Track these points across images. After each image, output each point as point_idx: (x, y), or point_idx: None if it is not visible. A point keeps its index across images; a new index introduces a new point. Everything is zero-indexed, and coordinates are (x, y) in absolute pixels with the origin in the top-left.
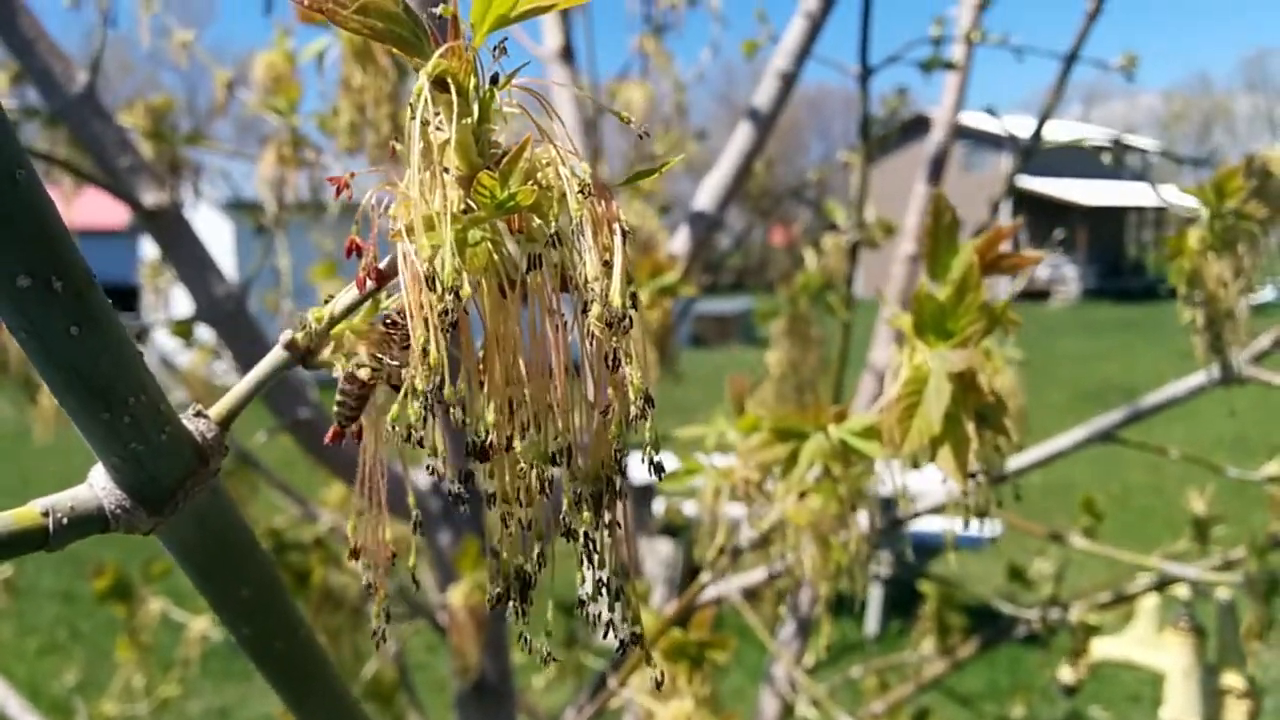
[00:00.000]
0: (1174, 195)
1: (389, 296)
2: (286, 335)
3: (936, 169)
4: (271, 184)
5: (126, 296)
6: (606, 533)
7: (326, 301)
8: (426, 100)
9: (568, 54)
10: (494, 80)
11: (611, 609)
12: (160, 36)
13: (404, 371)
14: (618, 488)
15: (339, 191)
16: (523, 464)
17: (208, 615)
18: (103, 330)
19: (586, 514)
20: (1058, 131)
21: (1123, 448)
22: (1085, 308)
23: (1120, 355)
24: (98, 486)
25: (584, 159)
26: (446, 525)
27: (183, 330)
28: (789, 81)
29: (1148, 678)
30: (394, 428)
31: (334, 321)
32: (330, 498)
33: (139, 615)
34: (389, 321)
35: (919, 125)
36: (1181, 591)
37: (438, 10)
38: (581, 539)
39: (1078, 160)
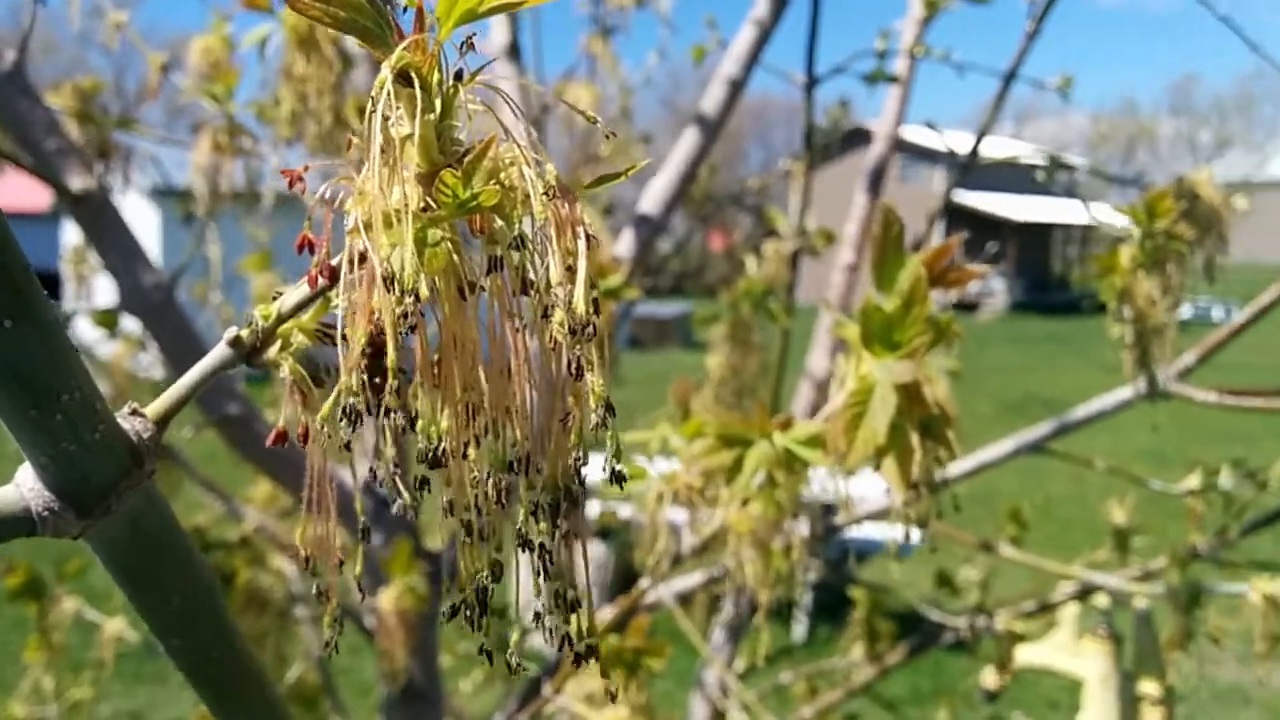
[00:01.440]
0: (1102, 213)
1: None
2: (231, 332)
3: (876, 180)
4: (206, 172)
5: (47, 283)
6: (563, 543)
7: (274, 298)
8: (389, 93)
9: (515, 52)
10: (458, 76)
11: (566, 621)
12: (90, 17)
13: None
14: (576, 497)
15: (292, 183)
16: (478, 472)
17: (123, 616)
18: (38, 323)
19: (544, 524)
20: (992, 148)
21: (1047, 459)
22: (1012, 320)
23: (1045, 368)
24: (24, 487)
25: (547, 160)
26: (376, 527)
27: (107, 320)
28: (737, 88)
29: (1065, 684)
30: (323, 428)
31: (281, 319)
32: (256, 495)
33: (51, 615)
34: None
35: (855, 137)
36: (1101, 600)
37: (401, 2)
38: (538, 550)
39: (1007, 176)
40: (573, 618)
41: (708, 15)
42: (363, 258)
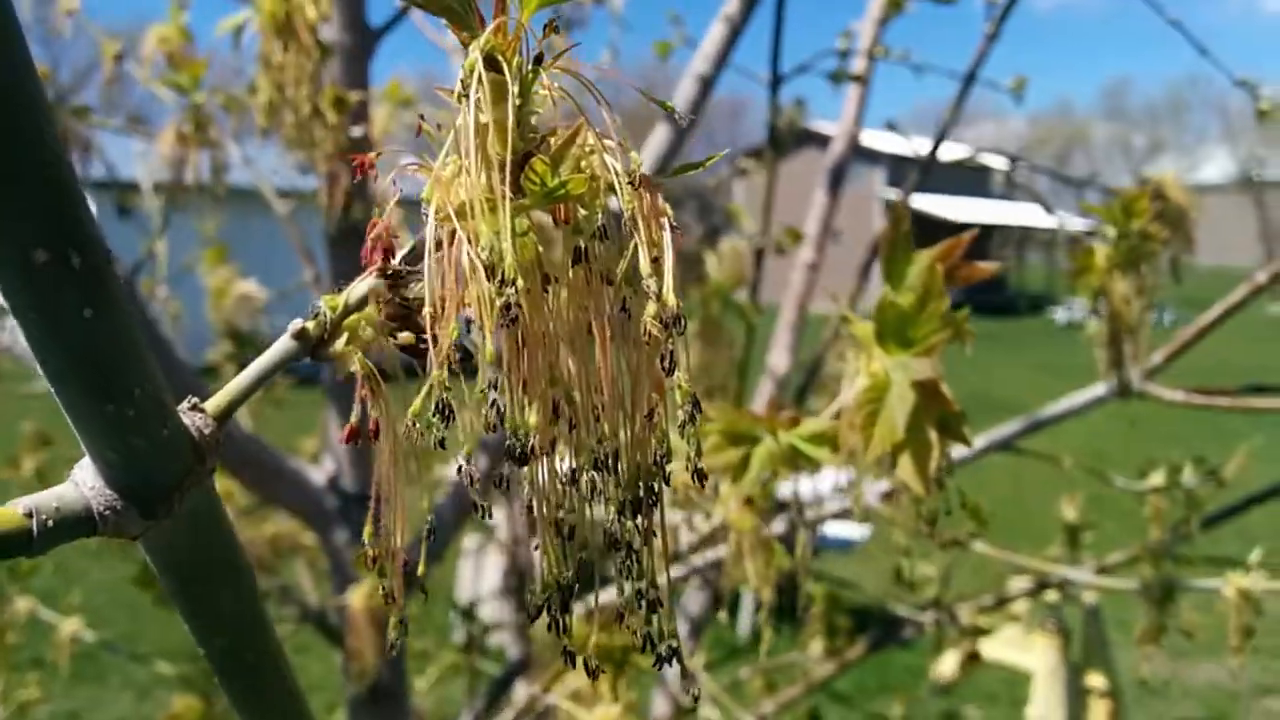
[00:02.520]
0: (1038, 215)
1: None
2: (296, 324)
3: (836, 179)
4: (172, 164)
5: None
6: (647, 542)
7: (339, 290)
8: (480, 78)
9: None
10: (538, 60)
11: (649, 622)
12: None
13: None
14: (658, 494)
15: (362, 169)
16: (564, 470)
17: (77, 616)
18: (116, 314)
19: (631, 522)
20: (941, 150)
21: (988, 461)
22: None
23: (981, 367)
24: (85, 485)
25: (631, 148)
26: (343, 524)
27: None
28: (708, 85)
29: (1005, 676)
30: (414, 425)
31: (349, 311)
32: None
33: (5, 615)
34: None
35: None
36: (1051, 596)
37: None
38: (625, 549)
39: (945, 177)
40: (654, 619)
41: (671, 11)
42: (446, 246)
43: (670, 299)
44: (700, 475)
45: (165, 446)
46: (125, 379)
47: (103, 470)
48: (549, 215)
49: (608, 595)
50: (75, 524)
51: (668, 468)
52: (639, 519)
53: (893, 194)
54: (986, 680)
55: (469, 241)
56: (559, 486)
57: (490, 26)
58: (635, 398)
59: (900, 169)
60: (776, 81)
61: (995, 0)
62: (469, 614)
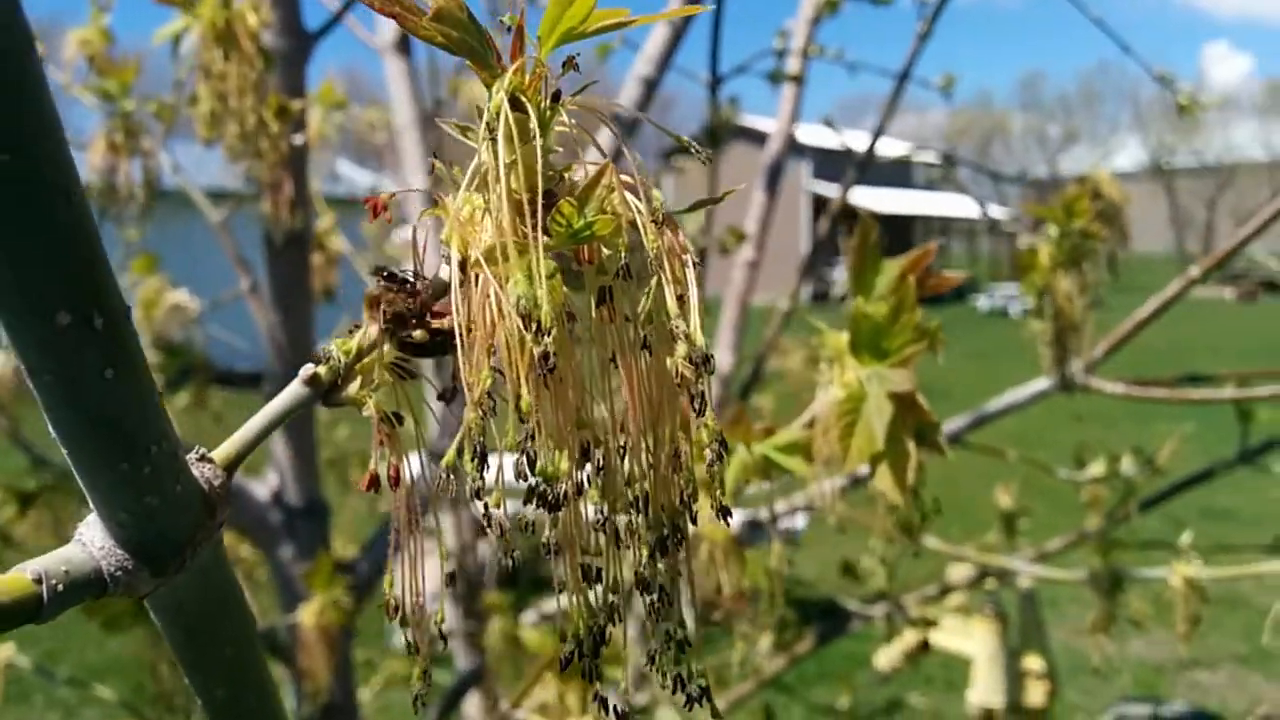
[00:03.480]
0: (962, 205)
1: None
2: (308, 370)
3: (774, 178)
4: (102, 173)
5: None
6: (674, 582)
7: (352, 331)
8: (508, 119)
9: (405, 45)
10: (555, 97)
11: (677, 662)
12: None
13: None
14: (684, 535)
15: (376, 213)
16: (592, 513)
17: (11, 642)
18: (135, 371)
19: (661, 564)
20: (848, 140)
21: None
22: None
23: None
24: (93, 546)
25: (653, 185)
26: (288, 539)
27: None
28: (651, 87)
29: (941, 660)
30: (450, 475)
31: (361, 354)
32: None
33: None
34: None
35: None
36: (990, 582)
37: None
38: (656, 591)
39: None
40: (683, 659)
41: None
42: (472, 289)
43: (699, 338)
44: (725, 513)
45: (178, 502)
46: (143, 437)
47: (113, 530)
48: (571, 255)
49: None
50: (84, 586)
51: (694, 506)
52: (667, 559)
53: (820, 186)
54: (923, 665)
55: (497, 285)
56: (587, 531)
57: (514, 66)
58: (660, 436)
59: (827, 162)
60: (716, 82)
61: (927, 0)
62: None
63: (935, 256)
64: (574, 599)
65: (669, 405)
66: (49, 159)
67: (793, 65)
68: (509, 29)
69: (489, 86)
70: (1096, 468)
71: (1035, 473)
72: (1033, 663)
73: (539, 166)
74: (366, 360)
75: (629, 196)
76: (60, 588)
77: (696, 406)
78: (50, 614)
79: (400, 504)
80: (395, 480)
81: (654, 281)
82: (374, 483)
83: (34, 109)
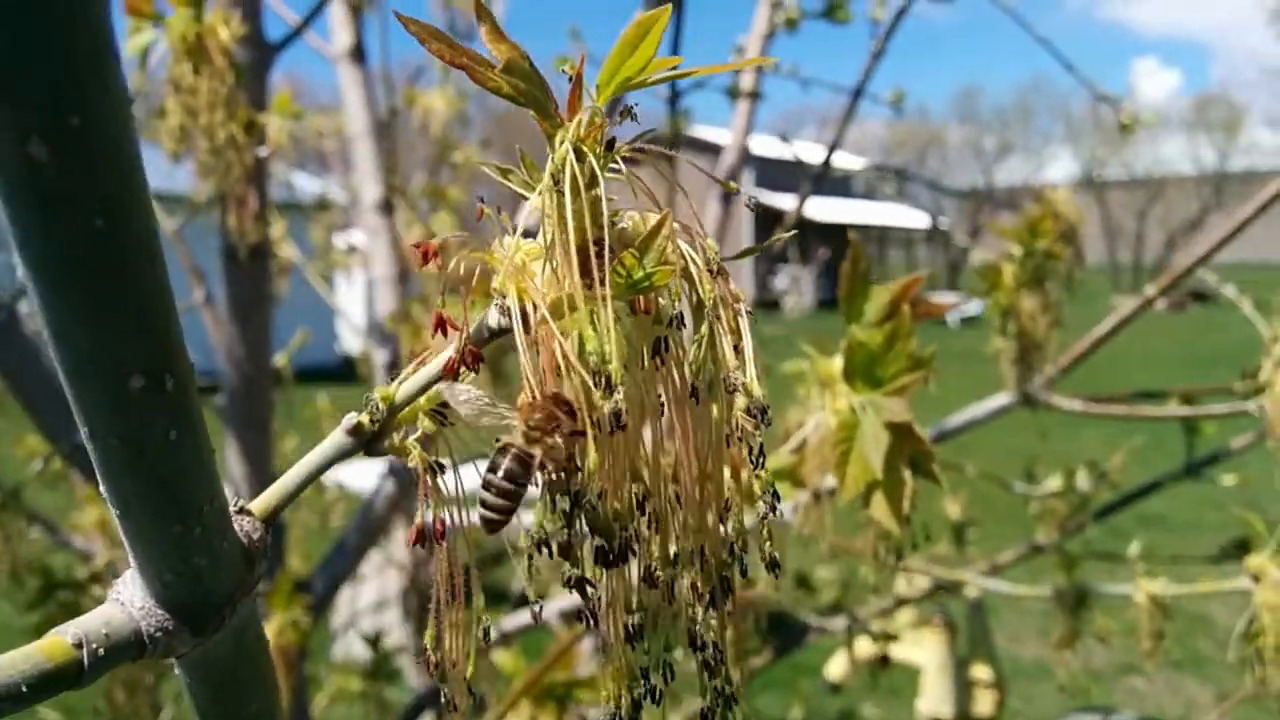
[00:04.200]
0: (903, 215)
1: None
2: (351, 419)
3: (727, 192)
4: None
5: None
6: (724, 636)
7: (391, 379)
8: (574, 170)
9: (359, 54)
10: (610, 146)
11: (725, 718)
12: None
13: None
14: (731, 588)
15: (426, 258)
16: (644, 567)
17: None
18: (197, 431)
19: (715, 620)
20: (800, 152)
21: None
22: (819, 317)
23: None
24: (133, 606)
25: (705, 232)
26: None
27: None
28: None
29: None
30: (534, 540)
31: (401, 405)
32: (83, 521)
33: None
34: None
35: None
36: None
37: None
38: (711, 648)
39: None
40: (730, 715)
41: (571, 25)
42: (535, 343)
43: (757, 389)
44: (775, 565)
45: (223, 561)
46: (197, 497)
47: (154, 589)
48: (627, 305)
49: (519, 619)
50: (125, 649)
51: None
52: (716, 612)
53: (764, 195)
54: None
55: (561, 337)
56: (635, 587)
57: (579, 118)
58: (711, 488)
59: (769, 170)
60: (675, 96)
61: (879, 19)
62: (374, 642)
63: (872, 265)
64: (613, 665)
65: (718, 456)
66: (140, 224)
67: (747, 81)
68: (569, 78)
69: (550, 137)
70: (1053, 482)
71: (976, 482)
72: (981, 671)
73: (600, 216)
74: (409, 409)
75: (682, 245)
76: (101, 651)
77: (755, 459)
78: (91, 679)
79: (444, 559)
80: (440, 535)
81: (710, 331)
82: (421, 537)
83: (132, 176)
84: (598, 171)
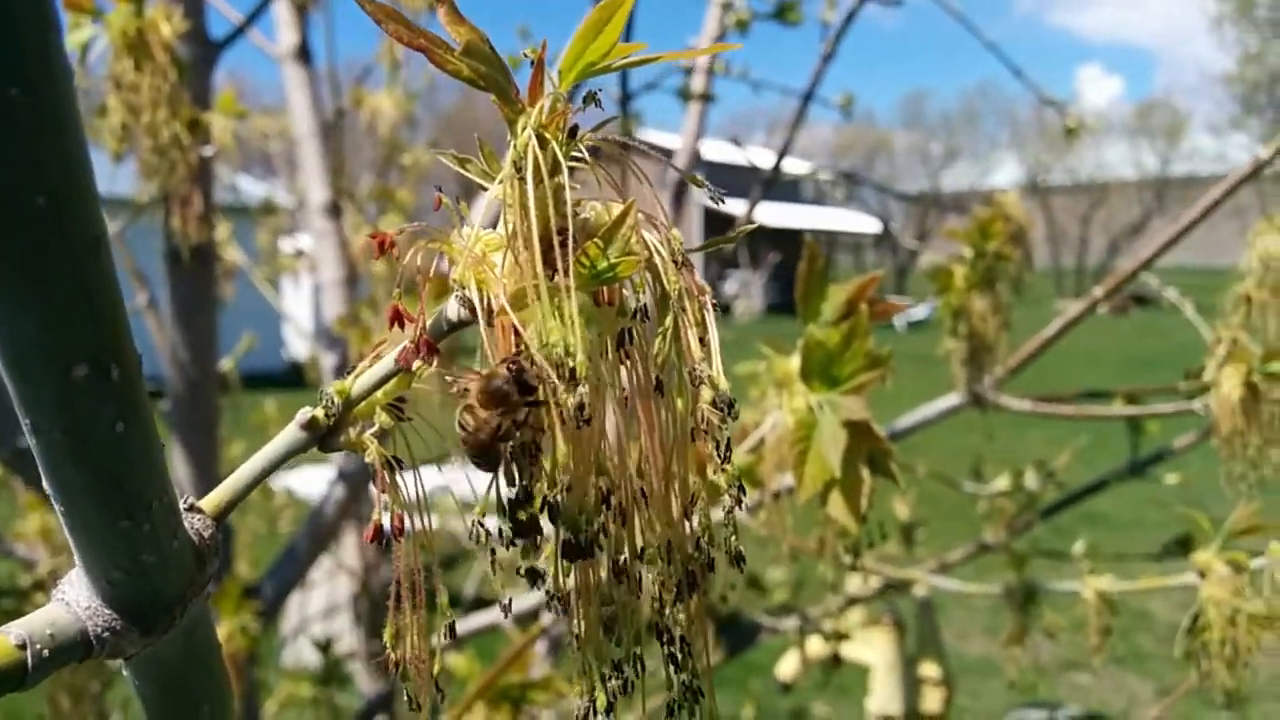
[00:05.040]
0: (851, 220)
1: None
2: (305, 414)
3: (679, 193)
4: None
5: None
6: (691, 629)
7: (347, 373)
8: (536, 158)
9: (304, 54)
10: (572, 133)
11: (693, 713)
12: None
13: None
14: (698, 581)
15: (382, 250)
16: (615, 561)
17: None
18: (145, 423)
19: (682, 614)
20: (751, 156)
21: None
22: (769, 321)
23: None
24: (79, 606)
25: (668, 222)
26: None
27: None
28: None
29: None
30: (497, 533)
31: (356, 399)
32: (26, 530)
33: None
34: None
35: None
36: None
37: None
38: (677, 641)
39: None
40: (698, 708)
41: (520, 26)
42: (497, 335)
43: (723, 382)
44: (740, 559)
45: (173, 558)
46: (145, 492)
47: (101, 588)
48: (591, 296)
49: (486, 618)
50: (70, 649)
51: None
52: (684, 605)
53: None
54: (816, 672)
55: (523, 329)
56: (598, 580)
57: (541, 104)
58: (677, 481)
59: (719, 174)
60: (626, 99)
61: (829, 21)
62: (325, 647)
63: (825, 268)
64: (586, 655)
65: (683, 449)
66: (85, 205)
67: (698, 83)
68: (531, 63)
69: (512, 122)
70: (1001, 481)
71: (924, 483)
72: (930, 669)
73: (564, 205)
74: (365, 403)
75: (647, 235)
76: (45, 652)
77: (721, 452)
78: (35, 680)
79: (403, 556)
80: (399, 531)
81: (675, 323)
82: (378, 534)
83: (74, 153)
84: (561, 158)
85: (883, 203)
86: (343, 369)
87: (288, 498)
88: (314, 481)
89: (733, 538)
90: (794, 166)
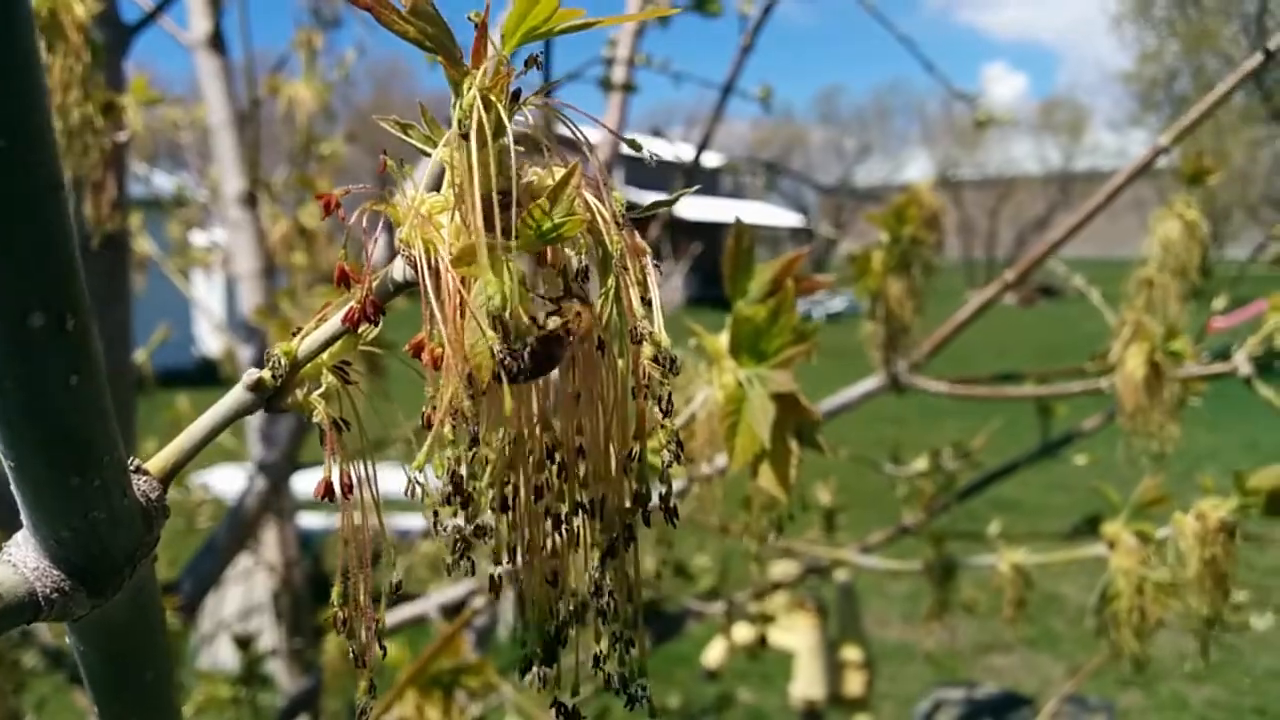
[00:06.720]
0: (770, 214)
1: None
2: (252, 375)
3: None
4: None
5: None
6: (623, 584)
7: (294, 334)
8: (481, 118)
9: (217, 42)
10: (515, 97)
11: (622, 663)
12: None
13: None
14: (633, 535)
15: (328, 210)
16: (549, 516)
17: None
18: (97, 378)
19: (612, 567)
20: (664, 150)
21: None
22: (690, 313)
23: None
24: (25, 566)
25: (611, 185)
26: None
27: None
28: None
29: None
30: (417, 477)
31: (303, 360)
32: None
33: None
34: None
35: None
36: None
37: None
38: (605, 594)
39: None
40: (626, 658)
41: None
42: (439, 292)
43: (665, 339)
44: (673, 514)
45: (121, 517)
46: (97, 448)
47: (49, 548)
48: (534, 257)
49: (413, 609)
50: (18, 611)
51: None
52: (616, 560)
53: (633, 194)
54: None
55: (464, 287)
56: (540, 534)
57: (485, 65)
58: (615, 438)
59: (638, 168)
60: (548, 89)
61: (748, 13)
62: (245, 644)
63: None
64: (531, 606)
65: (623, 405)
66: (43, 149)
67: (618, 74)
68: (475, 26)
69: (456, 84)
70: (920, 463)
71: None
72: (851, 653)
73: (508, 167)
74: (313, 364)
75: (588, 197)
76: None
77: (663, 408)
78: None
79: (350, 512)
80: (348, 490)
81: (617, 282)
82: (329, 491)
83: (33, 94)
84: (505, 120)
85: (798, 198)
86: (261, 361)
87: (205, 493)
88: (232, 480)
89: (669, 495)
90: (713, 160)
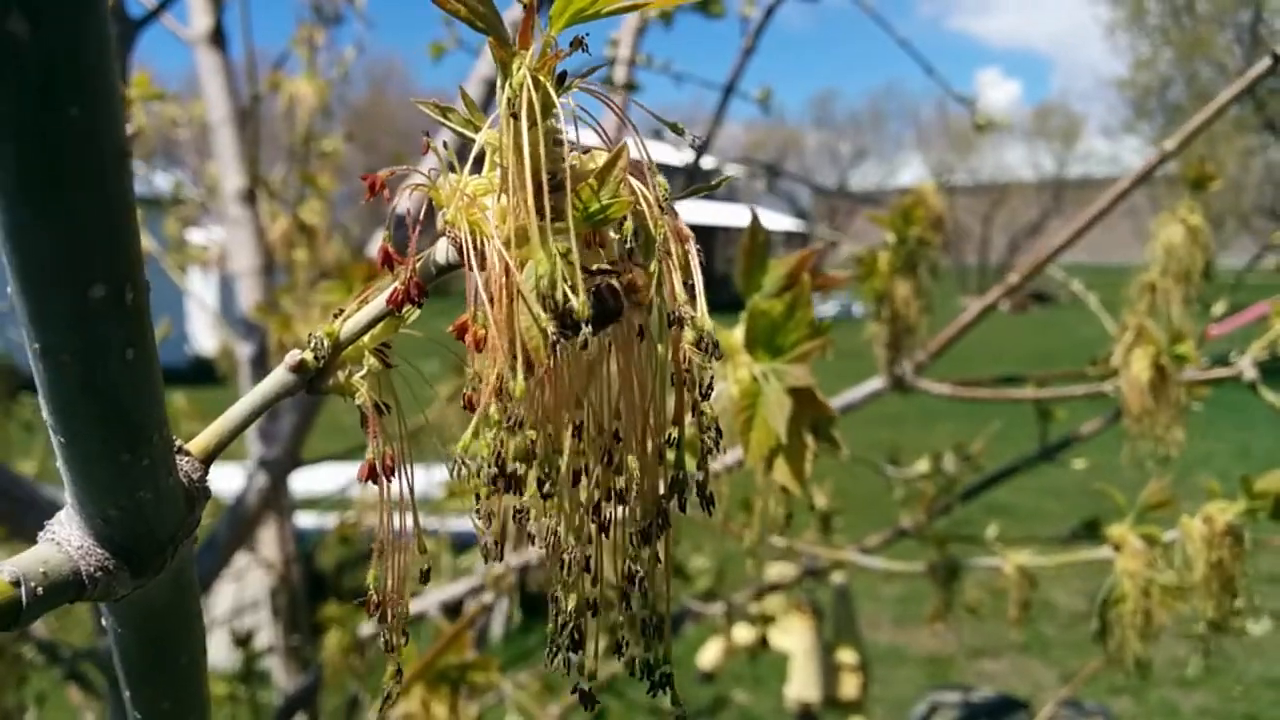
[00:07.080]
0: (766, 218)
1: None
2: (295, 356)
3: None
4: None
5: None
6: (654, 570)
7: (336, 316)
8: (531, 97)
9: (219, 38)
10: (561, 79)
11: (648, 649)
12: None
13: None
14: (668, 521)
15: (373, 190)
16: (585, 500)
17: None
18: (150, 352)
19: (646, 553)
20: (674, 149)
21: None
22: None
23: None
24: (70, 545)
25: (653, 169)
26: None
27: None
28: (494, 87)
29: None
30: (463, 460)
31: (346, 341)
32: None
33: None
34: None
35: None
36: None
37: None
38: (637, 580)
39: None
40: (654, 645)
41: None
42: (488, 272)
43: (707, 323)
44: (710, 501)
45: (167, 497)
46: (148, 424)
47: (95, 526)
48: (580, 238)
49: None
50: (63, 589)
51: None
52: (649, 547)
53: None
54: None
55: (515, 268)
56: (576, 517)
57: (536, 46)
58: (653, 422)
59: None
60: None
61: (749, 15)
62: (243, 641)
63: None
64: (562, 590)
65: (662, 390)
66: (113, 117)
67: (619, 74)
68: (524, 7)
69: (505, 64)
70: (921, 465)
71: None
72: (846, 655)
73: (555, 149)
74: (354, 346)
75: (633, 181)
76: (39, 590)
77: (702, 392)
78: (29, 619)
79: (388, 495)
80: (390, 470)
81: (660, 266)
82: (372, 474)
83: (108, 55)
84: (554, 100)
85: (794, 201)
86: (261, 358)
87: None
88: (229, 479)
89: (704, 480)
90: (710, 162)
